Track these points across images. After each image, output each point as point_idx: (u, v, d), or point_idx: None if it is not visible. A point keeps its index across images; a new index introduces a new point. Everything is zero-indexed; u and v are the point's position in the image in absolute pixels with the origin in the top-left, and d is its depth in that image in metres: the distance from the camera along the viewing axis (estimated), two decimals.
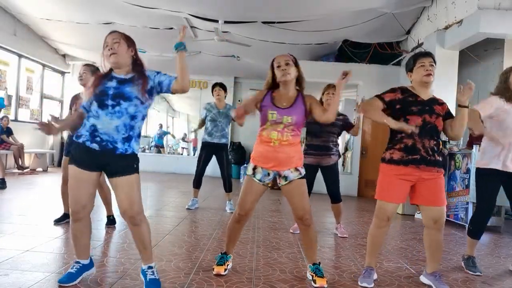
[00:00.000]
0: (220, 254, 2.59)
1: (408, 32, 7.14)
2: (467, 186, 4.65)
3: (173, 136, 14.01)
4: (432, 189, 2.41)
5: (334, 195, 3.89)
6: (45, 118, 8.71)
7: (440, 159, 2.45)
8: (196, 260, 2.76)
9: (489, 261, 3.31)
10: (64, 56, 9.87)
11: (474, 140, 5.16)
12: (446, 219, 2.63)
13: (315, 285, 2.35)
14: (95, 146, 2.06)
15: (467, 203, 4.65)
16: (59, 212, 3.69)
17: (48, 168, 8.75)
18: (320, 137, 3.78)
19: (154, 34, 7.37)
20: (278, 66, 2.40)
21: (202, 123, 4.96)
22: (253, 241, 3.41)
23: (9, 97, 7.92)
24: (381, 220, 2.49)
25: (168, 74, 2.20)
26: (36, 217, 3.81)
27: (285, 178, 2.40)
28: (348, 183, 7.63)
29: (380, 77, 7.55)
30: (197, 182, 4.94)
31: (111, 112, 2.06)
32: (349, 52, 7.74)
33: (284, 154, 2.37)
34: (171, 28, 7.16)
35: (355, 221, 4.85)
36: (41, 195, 5.28)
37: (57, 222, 3.55)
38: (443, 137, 3.26)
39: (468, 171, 4.67)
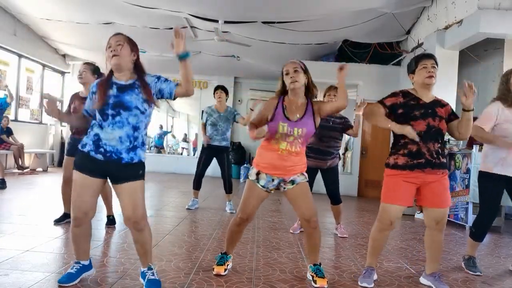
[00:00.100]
0: (220, 254, 2.59)
1: (408, 32, 7.14)
2: (467, 186, 4.65)
3: (174, 136, 14.01)
4: (436, 191, 2.40)
5: (334, 196, 3.89)
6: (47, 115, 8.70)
7: (445, 161, 2.45)
8: (196, 260, 2.76)
9: (489, 261, 3.31)
10: (64, 56, 9.87)
11: (474, 140, 5.16)
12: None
13: (315, 285, 2.35)
14: (99, 156, 2.06)
15: (467, 203, 4.65)
16: (59, 212, 3.69)
17: (48, 168, 8.75)
18: (323, 141, 3.75)
19: (154, 34, 7.37)
20: (287, 74, 2.38)
21: (204, 127, 4.96)
22: (253, 241, 3.41)
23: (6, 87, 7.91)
24: (384, 223, 2.47)
25: (169, 79, 2.19)
26: (36, 217, 3.81)
27: (292, 182, 2.40)
28: (348, 183, 7.63)
29: (380, 77, 7.55)
30: (197, 184, 4.94)
31: (112, 122, 2.05)
32: (349, 52, 7.74)
33: (291, 162, 2.37)
34: (171, 28, 7.10)
35: (355, 221, 4.85)
36: (41, 195, 5.28)
37: (57, 222, 3.55)
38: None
39: (468, 171, 4.67)
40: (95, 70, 3.51)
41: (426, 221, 2.51)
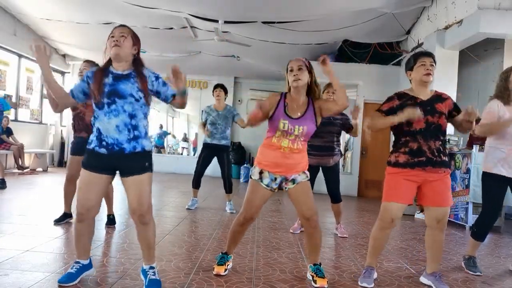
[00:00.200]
0: (220, 254, 2.59)
1: (408, 32, 7.14)
2: (467, 186, 4.65)
3: (174, 136, 14.01)
4: (437, 189, 2.40)
5: (334, 195, 3.90)
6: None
7: (446, 159, 2.44)
8: (196, 260, 2.76)
9: (489, 261, 3.31)
10: (64, 56, 9.87)
11: (474, 140, 5.16)
12: None
13: (315, 285, 2.35)
14: (103, 150, 2.08)
15: (467, 203, 4.65)
16: (59, 212, 3.69)
17: (48, 168, 8.74)
18: (321, 137, 3.76)
19: (154, 34, 7.37)
20: (291, 71, 2.38)
21: (203, 126, 4.95)
22: (253, 241, 3.41)
23: (9, 97, 7.92)
24: (385, 222, 2.47)
25: (166, 82, 2.19)
26: (36, 217, 3.81)
27: (293, 181, 2.40)
28: (348, 183, 7.63)
29: (380, 77, 7.55)
30: (196, 183, 4.94)
31: (108, 111, 2.06)
32: (349, 52, 7.74)
33: (293, 160, 2.37)
34: (171, 28, 7.17)
35: (355, 221, 4.85)
36: (41, 195, 5.28)
37: (57, 222, 3.55)
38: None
39: (468, 171, 4.67)
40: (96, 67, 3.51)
41: (427, 220, 2.51)
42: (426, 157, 2.37)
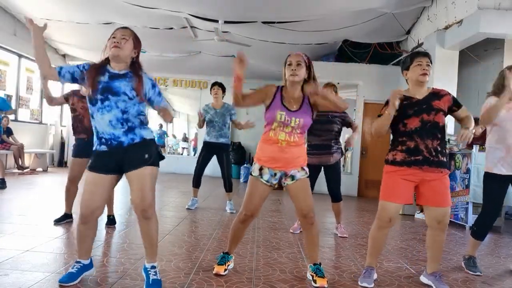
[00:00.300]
0: (221, 253, 2.59)
1: (408, 32, 7.14)
2: (467, 186, 4.65)
3: (174, 136, 14.02)
4: (436, 189, 2.40)
5: (335, 194, 3.90)
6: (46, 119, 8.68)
7: (445, 159, 2.43)
8: (196, 260, 2.76)
9: (489, 261, 3.31)
10: (64, 56, 9.87)
11: (474, 140, 5.16)
12: None
13: (315, 285, 2.35)
14: (103, 147, 2.11)
15: (467, 203, 4.65)
16: (59, 212, 3.69)
17: (48, 168, 8.74)
18: (319, 136, 3.78)
19: (154, 34, 7.37)
20: (289, 64, 2.39)
21: (202, 122, 4.94)
22: (253, 241, 3.41)
23: (9, 97, 7.92)
24: (382, 221, 2.47)
25: (161, 93, 2.23)
26: (36, 217, 3.81)
27: (292, 177, 2.41)
28: (348, 183, 7.63)
29: (380, 77, 7.55)
30: (196, 181, 4.94)
31: (101, 107, 2.07)
32: (349, 52, 7.74)
33: (291, 155, 2.38)
34: (171, 28, 7.16)
35: (355, 221, 4.85)
36: (41, 195, 5.28)
37: (57, 222, 3.55)
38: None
39: (468, 171, 4.67)
40: None
41: (428, 221, 2.50)
42: (423, 156, 2.38)
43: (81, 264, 2.20)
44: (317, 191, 4.37)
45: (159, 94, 2.21)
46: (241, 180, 9.23)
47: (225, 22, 6.55)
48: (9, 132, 7.51)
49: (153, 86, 2.19)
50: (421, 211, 5.21)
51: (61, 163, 9.63)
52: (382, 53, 7.59)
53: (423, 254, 3.35)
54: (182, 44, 8.13)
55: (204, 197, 5.82)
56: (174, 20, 6.75)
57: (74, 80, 2.14)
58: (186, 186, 7.07)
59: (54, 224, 3.52)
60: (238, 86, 2.33)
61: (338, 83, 7.44)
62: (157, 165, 2.19)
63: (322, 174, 3.92)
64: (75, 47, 9.08)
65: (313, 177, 3.76)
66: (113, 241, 3.22)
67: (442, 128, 2.44)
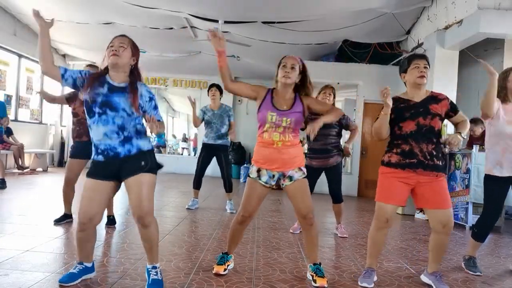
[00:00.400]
0: (221, 254, 2.59)
1: (408, 32, 7.14)
2: (467, 186, 4.65)
3: (174, 136, 14.01)
4: (435, 190, 2.39)
5: (336, 196, 3.90)
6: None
7: (440, 163, 2.41)
8: (196, 260, 2.76)
9: (489, 261, 3.31)
10: (64, 56, 9.86)
11: (474, 140, 5.16)
12: None
13: (315, 285, 2.35)
14: (100, 158, 2.11)
15: (467, 203, 4.65)
16: (59, 212, 3.69)
17: (48, 168, 8.74)
18: (318, 140, 3.76)
19: (154, 34, 7.37)
20: (284, 66, 2.40)
21: (199, 119, 4.93)
22: (253, 241, 3.41)
23: (9, 97, 7.92)
24: (380, 221, 2.48)
25: (157, 107, 2.23)
26: (36, 217, 3.81)
27: (290, 178, 2.42)
28: (348, 183, 7.62)
29: (380, 77, 7.55)
30: (197, 183, 4.95)
31: (98, 119, 2.07)
32: (349, 52, 7.74)
33: (288, 155, 2.39)
34: (171, 28, 7.16)
35: (355, 221, 4.85)
36: (41, 195, 5.28)
37: (57, 222, 3.55)
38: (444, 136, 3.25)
39: (468, 171, 4.66)
40: None
41: (432, 223, 2.47)
42: (418, 159, 2.38)
43: (83, 266, 2.19)
44: (318, 192, 4.37)
45: (155, 107, 2.20)
46: (241, 180, 9.22)
47: (225, 22, 6.55)
48: (9, 132, 7.51)
49: (151, 99, 2.18)
50: (421, 210, 5.21)
51: (61, 163, 9.62)
52: (382, 53, 7.59)
53: (423, 254, 3.35)
54: (182, 44, 8.13)
55: (204, 197, 5.82)
56: (174, 20, 6.75)
57: (75, 87, 2.13)
58: (186, 186, 7.07)
59: (54, 224, 3.52)
60: (222, 61, 2.37)
61: (338, 83, 7.49)
62: (155, 173, 2.18)
63: (322, 175, 3.92)
64: (75, 47, 9.08)
65: (313, 179, 3.77)
66: (113, 241, 3.22)
67: (438, 132, 2.44)
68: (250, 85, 2.52)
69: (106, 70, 2.15)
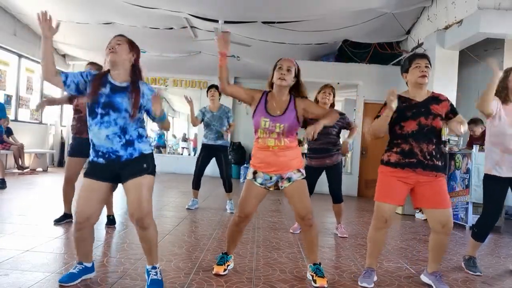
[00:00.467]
0: (221, 254, 2.59)
1: (408, 32, 7.14)
2: (467, 186, 4.65)
3: (174, 136, 14.01)
4: (433, 191, 2.39)
5: (336, 196, 3.91)
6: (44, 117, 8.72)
7: (440, 163, 2.41)
8: (196, 260, 2.76)
9: (489, 261, 3.31)
10: (64, 56, 9.87)
11: (474, 140, 5.16)
12: None
13: (315, 285, 2.35)
14: (101, 160, 2.11)
15: (467, 203, 4.65)
16: (59, 212, 3.69)
17: (48, 168, 8.74)
18: (317, 140, 3.76)
19: (154, 34, 7.37)
20: (280, 68, 2.40)
21: (198, 120, 4.92)
22: (253, 241, 3.41)
23: (9, 97, 7.92)
24: (379, 221, 2.48)
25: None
26: (36, 217, 3.81)
27: (289, 179, 2.41)
28: (348, 183, 7.62)
29: (380, 77, 7.55)
30: (196, 184, 4.95)
31: (100, 121, 2.07)
32: (349, 52, 7.74)
33: (285, 158, 2.39)
34: (171, 28, 7.16)
35: (355, 221, 4.85)
36: (41, 195, 5.28)
37: (57, 222, 3.55)
38: (444, 137, 3.25)
39: (468, 171, 4.66)
40: (99, 70, 3.50)
41: (431, 223, 2.47)
42: (417, 159, 2.37)
43: (83, 266, 2.20)
44: (318, 192, 4.37)
45: None
46: (241, 180, 9.23)
47: (225, 22, 6.55)
48: (9, 132, 7.51)
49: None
50: (421, 210, 5.21)
51: (61, 163, 9.62)
52: (382, 53, 7.59)
53: (423, 254, 3.35)
54: (182, 44, 8.13)
55: (204, 197, 5.82)
56: (174, 20, 6.75)
57: (78, 91, 2.11)
58: (186, 186, 7.07)
59: (54, 224, 3.52)
60: (223, 62, 2.46)
61: (338, 83, 7.48)
62: (154, 175, 2.18)
63: (322, 175, 3.92)
64: (75, 47, 9.08)
65: (313, 179, 3.77)
66: (113, 241, 3.22)
67: (439, 132, 2.44)
68: (245, 89, 2.52)
69: (108, 70, 2.16)
